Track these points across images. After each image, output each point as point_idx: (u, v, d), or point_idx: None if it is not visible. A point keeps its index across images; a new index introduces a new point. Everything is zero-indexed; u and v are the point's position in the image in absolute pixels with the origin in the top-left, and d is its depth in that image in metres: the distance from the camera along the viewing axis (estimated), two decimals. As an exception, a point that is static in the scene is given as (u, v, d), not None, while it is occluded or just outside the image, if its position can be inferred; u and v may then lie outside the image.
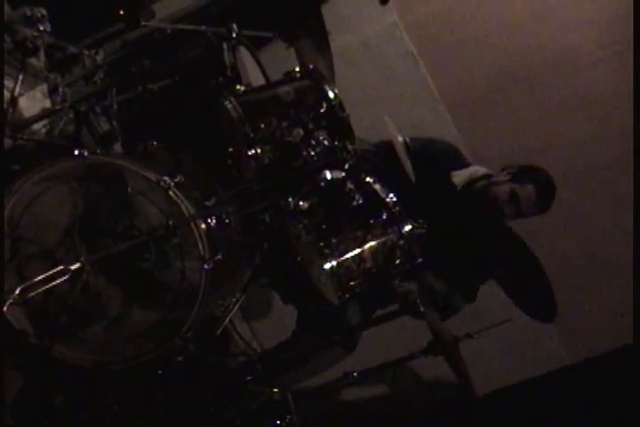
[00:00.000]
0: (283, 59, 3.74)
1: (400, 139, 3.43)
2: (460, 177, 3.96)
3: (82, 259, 3.00)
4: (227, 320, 3.77)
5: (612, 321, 4.81)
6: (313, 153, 3.16)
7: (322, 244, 3.03)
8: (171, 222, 3.03)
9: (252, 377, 3.62)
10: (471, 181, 3.94)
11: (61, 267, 2.96)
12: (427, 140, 4.05)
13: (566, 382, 4.65)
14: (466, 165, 4.07)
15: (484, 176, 3.95)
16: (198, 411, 3.62)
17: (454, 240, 3.73)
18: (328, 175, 3.06)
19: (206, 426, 3.60)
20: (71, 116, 3.75)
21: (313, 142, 3.19)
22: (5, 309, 2.92)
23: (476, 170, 4.01)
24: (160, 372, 3.53)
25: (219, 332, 3.77)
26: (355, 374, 3.66)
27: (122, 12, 3.83)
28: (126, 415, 3.64)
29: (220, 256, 3.16)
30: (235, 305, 3.73)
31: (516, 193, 3.81)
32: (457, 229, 3.76)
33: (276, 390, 3.55)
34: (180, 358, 3.47)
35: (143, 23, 3.68)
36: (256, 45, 4.04)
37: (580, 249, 4.89)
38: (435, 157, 3.97)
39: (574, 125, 5.08)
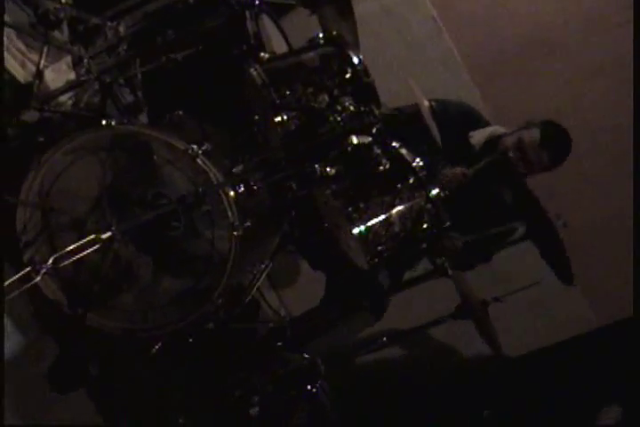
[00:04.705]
0: (305, 26, 3.72)
1: (426, 102, 3.42)
2: (477, 137, 3.96)
3: (112, 228, 3.02)
4: (255, 288, 3.79)
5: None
6: (339, 119, 3.17)
7: (350, 209, 3.04)
8: (200, 190, 3.05)
9: (282, 344, 3.65)
10: (489, 141, 3.93)
11: (92, 236, 2.98)
12: (446, 102, 4.06)
13: (595, 345, 4.67)
14: (485, 125, 4.07)
15: (502, 150, 3.94)
16: (229, 378, 3.66)
17: (474, 201, 3.74)
18: (355, 140, 3.07)
19: (237, 393, 3.63)
20: (96, 87, 3.76)
21: (339, 108, 3.19)
22: (39, 278, 2.95)
23: (496, 129, 4.00)
24: (191, 339, 3.57)
25: (247, 300, 3.80)
26: (384, 338, 3.68)
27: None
28: (158, 383, 3.68)
29: (248, 223, 3.18)
30: (263, 272, 3.75)
31: (521, 138, 3.81)
32: (476, 190, 3.76)
33: (305, 356, 3.57)
34: (210, 326, 3.50)
35: (165, -7, 3.69)
36: (279, 13, 4.04)
37: (606, 210, 4.88)
38: (454, 119, 3.97)
39: (597, 88, 5.05)
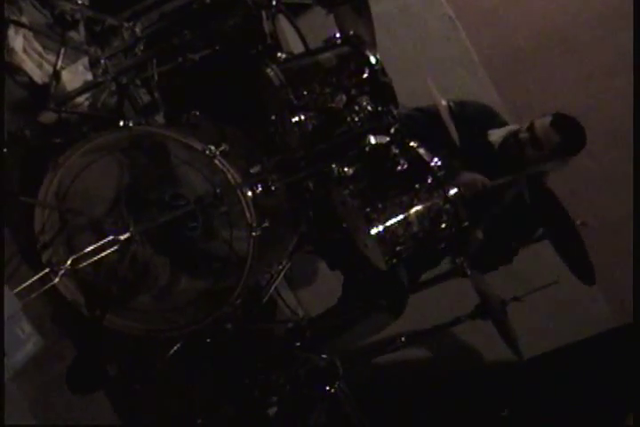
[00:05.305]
0: (322, 26, 3.71)
1: (444, 102, 3.42)
2: (496, 135, 3.97)
3: (130, 229, 3.03)
4: (273, 288, 3.79)
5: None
6: (357, 119, 3.16)
7: (368, 209, 3.02)
8: (218, 191, 3.05)
9: (300, 344, 3.65)
10: (507, 139, 3.94)
11: (110, 237, 2.99)
12: (465, 102, 4.08)
13: (613, 344, 4.65)
14: (504, 125, 4.08)
15: (514, 132, 3.95)
16: (247, 378, 3.66)
17: (495, 198, 3.74)
18: (372, 140, 3.06)
19: (255, 393, 3.63)
20: (113, 88, 3.76)
21: (356, 108, 3.18)
22: (57, 280, 2.96)
23: (512, 128, 4.01)
24: (209, 340, 3.57)
25: (265, 300, 3.80)
26: (402, 338, 3.68)
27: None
28: (176, 383, 3.69)
29: (266, 224, 3.17)
30: (281, 273, 3.75)
31: (532, 122, 3.86)
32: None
33: (323, 356, 3.57)
34: (228, 326, 3.50)
35: (181, -7, 3.69)
36: (295, 13, 4.04)
37: (625, 208, 4.85)
38: (473, 118, 3.98)
39: (615, 87, 5.03)
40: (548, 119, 3.84)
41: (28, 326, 3.00)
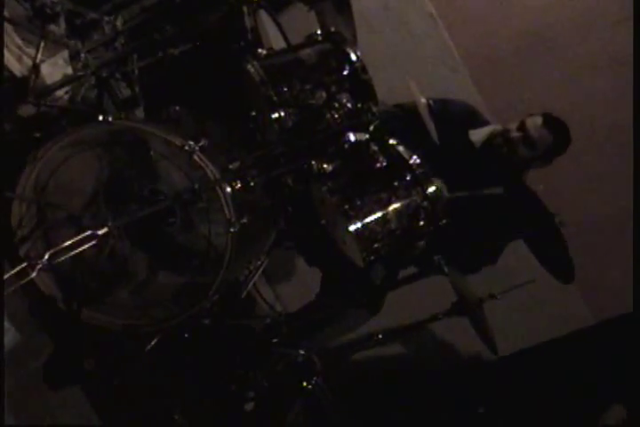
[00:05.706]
0: (303, 22, 3.72)
1: (423, 100, 3.42)
2: (478, 135, 3.98)
3: (108, 224, 3.01)
4: (251, 283, 3.79)
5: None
6: (336, 115, 3.17)
7: (346, 206, 3.03)
8: (196, 186, 3.04)
9: (278, 339, 3.66)
10: (490, 138, 3.95)
11: (89, 232, 2.97)
12: (445, 101, 4.08)
13: (591, 342, 4.67)
14: (485, 124, 4.09)
15: (503, 132, 3.96)
16: (225, 373, 3.66)
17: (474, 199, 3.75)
18: (352, 137, 3.07)
19: (233, 388, 3.63)
20: (93, 82, 3.75)
21: (336, 105, 3.19)
22: (34, 274, 2.95)
23: (495, 128, 4.02)
24: (187, 335, 3.57)
25: (243, 295, 3.80)
26: (379, 335, 3.68)
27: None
28: (153, 380, 3.68)
29: (245, 220, 3.17)
30: (259, 268, 3.75)
31: (523, 122, 3.87)
32: (476, 187, 3.77)
33: (301, 351, 3.58)
34: (206, 321, 3.50)
35: (162, -12, 3.68)
36: (276, 9, 4.04)
37: (604, 208, 4.88)
38: (454, 117, 3.98)
39: (595, 85, 5.04)
40: (540, 119, 3.85)
41: (4, 320, 3.00)
